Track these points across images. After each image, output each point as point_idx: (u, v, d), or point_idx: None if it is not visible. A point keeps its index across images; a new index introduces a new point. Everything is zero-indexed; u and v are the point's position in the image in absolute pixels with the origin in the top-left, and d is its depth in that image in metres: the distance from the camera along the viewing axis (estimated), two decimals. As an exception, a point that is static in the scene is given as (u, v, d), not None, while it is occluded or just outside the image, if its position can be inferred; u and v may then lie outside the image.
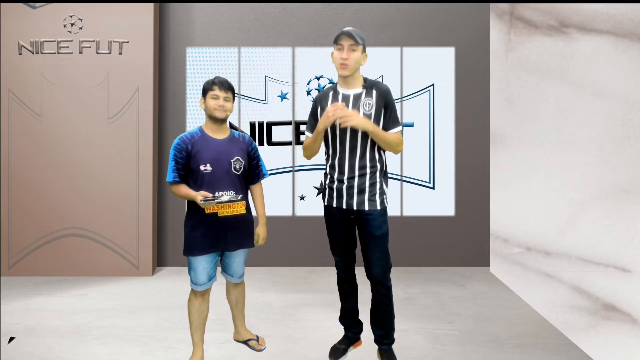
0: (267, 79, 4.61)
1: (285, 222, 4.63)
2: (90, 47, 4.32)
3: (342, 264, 2.56)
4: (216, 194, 2.40)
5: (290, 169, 4.63)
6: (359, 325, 2.68)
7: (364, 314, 2.80)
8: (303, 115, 4.60)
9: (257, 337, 2.84)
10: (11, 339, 2.90)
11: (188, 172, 2.44)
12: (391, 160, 4.52)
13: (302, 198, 4.63)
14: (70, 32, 4.31)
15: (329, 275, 4.22)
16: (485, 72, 4.57)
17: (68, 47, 4.31)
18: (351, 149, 2.37)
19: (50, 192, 4.32)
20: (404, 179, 4.63)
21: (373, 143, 2.38)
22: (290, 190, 4.63)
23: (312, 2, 4.59)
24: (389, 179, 4.55)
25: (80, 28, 4.32)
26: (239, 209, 2.46)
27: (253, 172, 2.61)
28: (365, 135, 2.35)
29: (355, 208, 2.40)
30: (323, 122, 2.32)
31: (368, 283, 2.51)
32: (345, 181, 2.40)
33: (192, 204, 2.44)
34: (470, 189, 4.61)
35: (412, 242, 4.59)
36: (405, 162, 4.63)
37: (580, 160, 4.19)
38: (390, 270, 2.45)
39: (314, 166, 4.58)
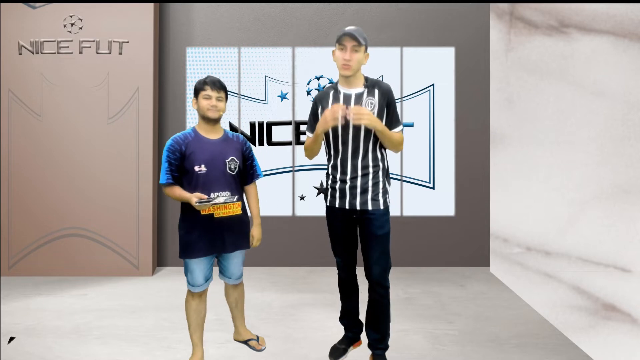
0: (267, 79, 4.61)
1: (285, 222, 4.63)
2: (90, 47, 4.32)
3: (343, 264, 2.55)
4: (211, 195, 2.37)
5: (290, 169, 4.63)
6: (359, 325, 2.68)
7: (364, 314, 2.79)
8: (303, 115, 4.60)
9: (257, 337, 2.84)
10: (11, 339, 2.90)
11: (182, 174, 2.40)
12: (391, 161, 4.52)
13: (302, 198, 4.63)
14: (70, 32, 4.31)
15: (329, 275, 4.22)
16: (485, 72, 4.57)
17: (68, 47, 4.31)
18: (354, 148, 2.36)
19: (50, 192, 4.32)
20: (404, 179, 4.63)
21: (375, 142, 2.37)
22: (290, 190, 4.63)
23: (312, 2, 4.59)
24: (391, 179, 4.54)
25: (80, 28, 4.32)
26: (235, 209, 2.43)
27: (247, 173, 2.59)
28: (367, 134, 2.34)
29: (358, 208, 2.38)
30: (322, 126, 2.31)
31: (365, 283, 2.51)
32: (348, 181, 2.39)
33: (186, 205, 2.41)
34: (470, 189, 4.61)
35: (412, 242, 4.59)
36: (405, 162, 4.63)
37: (580, 160, 4.19)
38: (389, 270, 2.44)
39: (314, 166, 4.58)
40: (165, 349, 2.82)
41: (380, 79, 4.51)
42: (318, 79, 4.60)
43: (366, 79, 2.41)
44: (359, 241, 2.50)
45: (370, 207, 2.38)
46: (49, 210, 4.32)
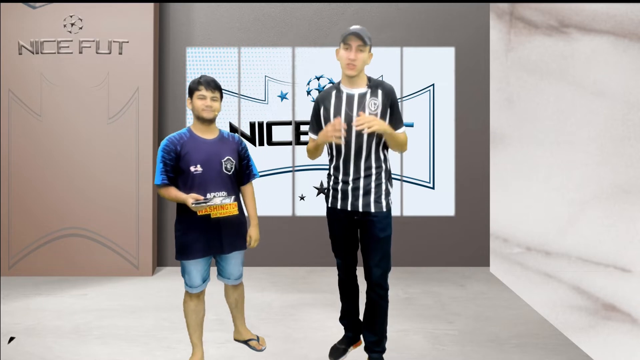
0: (267, 79, 4.61)
1: (285, 222, 4.63)
2: (90, 47, 4.32)
3: (343, 265, 2.54)
4: (207, 195, 2.34)
5: (290, 169, 4.63)
6: (359, 325, 2.67)
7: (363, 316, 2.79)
8: (303, 115, 4.60)
9: (258, 337, 2.83)
10: (11, 339, 2.90)
11: (177, 174, 2.37)
12: (391, 160, 4.52)
13: (302, 198, 4.63)
14: (70, 32, 4.31)
15: (329, 275, 4.22)
16: (485, 72, 4.57)
17: (68, 47, 4.31)
18: (357, 149, 2.34)
19: (50, 192, 4.32)
20: (404, 179, 4.63)
21: (378, 143, 2.36)
22: (290, 190, 4.63)
23: (312, 2, 4.59)
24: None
25: (80, 28, 4.32)
26: (232, 210, 2.39)
27: (243, 173, 2.56)
28: (370, 135, 2.31)
29: (360, 210, 2.36)
30: (323, 138, 2.30)
31: (364, 283, 2.50)
32: (351, 182, 2.36)
33: (182, 206, 2.37)
34: (470, 189, 4.61)
35: (412, 242, 4.59)
36: (405, 162, 4.63)
37: (580, 160, 4.19)
38: (389, 272, 2.44)
39: (314, 166, 4.58)
40: (165, 349, 2.82)
41: (381, 79, 4.51)
42: (318, 79, 4.60)
43: (369, 79, 2.39)
44: (359, 242, 2.49)
45: (372, 210, 2.36)
46: (49, 210, 4.32)
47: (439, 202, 4.63)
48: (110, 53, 4.32)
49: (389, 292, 2.49)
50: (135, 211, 4.34)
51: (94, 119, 4.33)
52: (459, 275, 4.35)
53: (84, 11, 4.31)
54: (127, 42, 4.33)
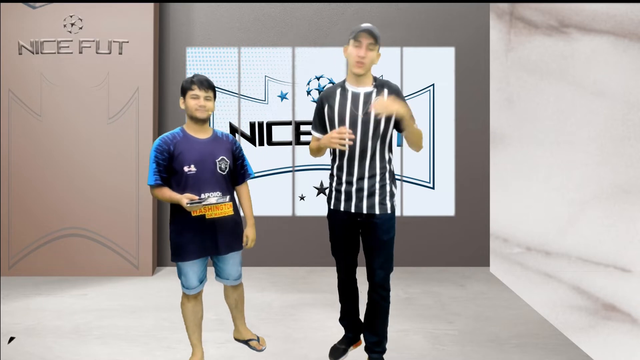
0: (267, 79, 4.61)
1: (285, 222, 4.63)
2: (90, 47, 4.32)
3: (343, 268, 2.51)
4: (202, 195, 2.30)
5: (290, 169, 4.63)
6: (360, 325, 2.66)
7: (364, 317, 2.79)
8: (303, 115, 4.60)
9: (258, 337, 2.83)
10: (11, 339, 2.90)
11: (171, 174, 2.33)
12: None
13: (302, 198, 4.63)
14: (70, 32, 4.31)
15: (329, 275, 4.22)
16: (485, 72, 4.57)
17: (68, 47, 4.31)
18: (361, 149, 2.29)
19: (50, 192, 4.32)
20: (404, 179, 4.63)
21: (383, 143, 2.32)
22: (290, 190, 4.64)
23: (312, 2, 4.59)
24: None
25: (80, 28, 4.32)
26: (227, 210, 2.36)
27: (238, 173, 2.52)
28: (375, 134, 2.28)
29: (365, 212, 2.32)
30: (326, 144, 2.27)
31: (365, 283, 2.49)
32: (355, 183, 2.32)
33: (176, 206, 2.33)
34: (470, 189, 4.61)
35: (412, 242, 4.59)
36: (405, 162, 4.63)
37: (580, 160, 4.19)
38: (391, 273, 2.43)
39: (314, 166, 4.58)
40: (165, 349, 2.82)
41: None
42: (318, 79, 4.60)
43: (375, 78, 2.36)
44: (360, 245, 2.47)
45: (377, 211, 2.32)
46: (49, 210, 4.32)
47: (439, 202, 4.63)
48: (110, 53, 4.32)
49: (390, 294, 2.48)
50: (135, 211, 4.34)
51: (94, 119, 4.33)
52: (459, 275, 4.35)
53: (84, 11, 4.31)
54: (127, 42, 4.33)
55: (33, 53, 4.30)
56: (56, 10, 4.30)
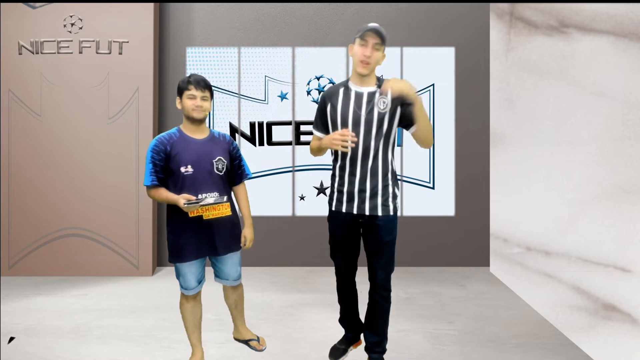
0: (267, 79, 4.61)
1: (285, 222, 4.63)
2: (90, 47, 4.32)
3: (343, 271, 2.47)
4: (199, 196, 2.29)
5: (290, 169, 4.63)
6: (359, 325, 2.66)
7: (364, 315, 2.79)
8: (303, 115, 4.60)
9: (258, 337, 2.83)
10: (11, 339, 2.90)
11: (167, 175, 2.31)
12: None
13: (302, 198, 4.63)
14: (70, 32, 4.31)
15: (329, 275, 4.21)
16: (485, 72, 4.57)
17: (68, 47, 4.31)
18: (364, 149, 2.27)
19: (50, 192, 4.32)
20: (404, 179, 4.63)
21: (386, 143, 2.30)
22: (290, 190, 4.63)
23: (312, 2, 4.59)
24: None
25: (80, 28, 4.32)
26: (225, 210, 2.34)
27: (235, 173, 2.50)
28: (379, 134, 2.26)
29: (367, 213, 2.30)
30: (328, 145, 2.25)
31: (365, 283, 2.49)
32: (357, 184, 2.29)
33: (173, 207, 2.31)
34: (470, 189, 4.61)
35: (412, 242, 4.59)
36: (405, 162, 4.63)
37: (580, 160, 4.19)
38: (392, 273, 2.43)
39: (314, 166, 4.59)
40: (165, 349, 2.82)
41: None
42: (318, 79, 4.60)
43: (378, 78, 2.35)
44: (360, 247, 2.44)
45: (380, 213, 2.30)
46: (49, 210, 4.32)
47: (439, 202, 4.63)
48: (110, 53, 4.32)
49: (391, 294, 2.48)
50: (135, 211, 4.34)
51: (94, 119, 4.33)
52: (459, 275, 4.35)
53: (84, 11, 4.31)
54: (127, 42, 4.33)
55: (33, 53, 4.30)
56: (56, 10, 4.30)
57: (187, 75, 2.38)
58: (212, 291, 3.11)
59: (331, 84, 4.58)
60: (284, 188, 4.63)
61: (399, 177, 4.59)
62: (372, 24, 2.24)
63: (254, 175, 4.61)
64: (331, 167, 2.46)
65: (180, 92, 2.35)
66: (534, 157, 4.30)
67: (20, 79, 4.30)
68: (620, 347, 3.54)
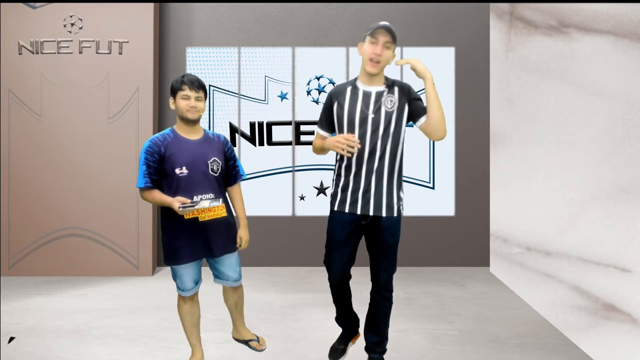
0: (267, 79, 4.61)
1: (285, 222, 4.63)
2: (90, 47, 4.32)
3: (337, 279, 2.40)
4: (194, 198, 2.24)
5: (290, 169, 4.63)
6: (356, 321, 2.62)
7: (359, 310, 2.78)
8: (303, 115, 4.60)
9: (258, 337, 2.82)
10: (11, 339, 2.90)
11: (161, 177, 2.27)
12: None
13: (302, 198, 4.63)
14: (70, 32, 4.31)
15: (329, 275, 4.22)
16: (485, 72, 4.57)
17: (68, 47, 4.31)
18: (371, 148, 2.22)
19: (50, 192, 4.32)
20: (404, 178, 4.62)
21: (394, 144, 2.26)
22: (290, 190, 4.63)
23: (312, 2, 4.59)
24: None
25: (80, 28, 4.32)
26: (220, 212, 2.29)
27: (230, 174, 2.46)
28: (386, 133, 2.23)
29: (371, 214, 2.26)
30: (331, 147, 2.23)
31: (366, 283, 2.49)
32: (362, 184, 2.25)
33: (167, 209, 2.27)
34: (470, 189, 4.61)
35: (412, 242, 4.59)
36: (405, 162, 4.60)
37: (580, 160, 4.19)
38: (394, 274, 2.42)
39: (314, 166, 4.59)
40: (165, 349, 2.82)
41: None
42: (318, 79, 4.60)
43: (386, 78, 2.32)
44: (356, 257, 2.40)
45: (384, 214, 2.27)
46: (49, 210, 4.32)
47: (439, 202, 4.63)
48: (110, 53, 4.32)
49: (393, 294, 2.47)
50: (135, 211, 4.33)
51: (94, 119, 4.33)
52: (459, 275, 4.35)
53: (84, 11, 4.31)
54: (127, 42, 4.33)
55: (33, 53, 4.30)
56: (56, 10, 4.30)
57: (181, 75, 2.34)
58: (211, 291, 3.10)
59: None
60: (284, 188, 4.63)
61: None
62: (384, 23, 2.20)
63: (254, 175, 4.61)
64: (332, 167, 2.44)
65: (174, 92, 2.31)
66: (534, 157, 4.30)
67: (20, 79, 4.30)
68: (620, 347, 3.54)
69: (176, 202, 2.17)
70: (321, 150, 2.43)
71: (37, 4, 4.29)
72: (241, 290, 2.64)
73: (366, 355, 2.54)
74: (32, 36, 4.30)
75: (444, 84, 4.61)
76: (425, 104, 2.28)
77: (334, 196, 2.38)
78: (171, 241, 2.32)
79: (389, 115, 2.24)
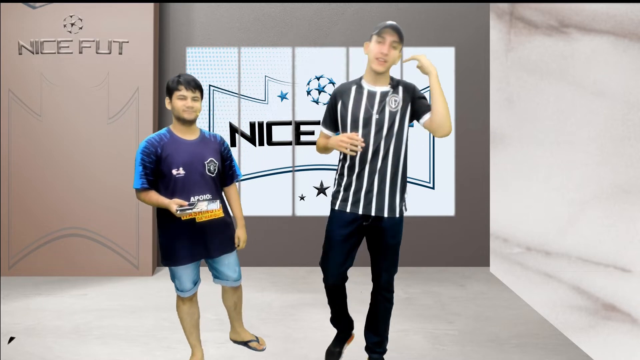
0: (267, 79, 4.61)
1: (285, 222, 4.63)
2: (90, 47, 4.32)
3: (332, 280, 2.39)
4: (191, 199, 2.23)
5: (290, 169, 4.63)
6: (350, 322, 2.60)
7: (359, 310, 2.78)
8: (303, 115, 4.60)
9: (257, 337, 2.82)
10: (11, 339, 2.90)
11: (158, 177, 2.25)
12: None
13: (302, 198, 4.63)
14: (70, 32, 4.31)
15: (329, 275, 4.22)
16: (485, 72, 4.57)
17: (68, 47, 4.31)
18: (375, 148, 2.22)
19: (50, 192, 4.32)
20: (404, 179, 4.63)
21: (397, 144, 2.25)
22: (290, 190, 4.63)
23: (312, 2, 4.59)
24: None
25: (80, 28, 4.31)
26: (217, 212, 2.27)
27: (227, 174, 2.45)
28: (390, 132, 2.22)
29: (373, 214, 2.25)
30: (335, 146, 2.23)
31: (366, 283, 2.50)
32: (365, 184, 2.24)
33: (164, 210, 2.25)
34: (470, 189, 4.61)
35: (412, 242, 4.58)
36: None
37: (580, 160, 4.19)
38: (395, 274, 2.41)
39: (314, 166, 4.58)
40: (165, 349, 2.82)
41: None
42: (318, 79, 4.60)
43: (392, 78, 2.30)
44: (354, 260, 2.39)
45: (386, 215, 2.26)
46: (49, 210, 4.32)
47: (439, 202, 4.63)
48: (110, 53, 4.32)
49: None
50: (135, 211, 4.33)
51: (94, 119, 4.33)
52: (459, 275, 4.35)
53: (84, 11, 4.31)
54: (127, 42, 4.33)
55: (33, 53, 4.30)
56: (56, 10, 4.30)
57: (177, 75, 2.33)
58: (211, 291, 3.10)
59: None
60: (284, 188, 4.63)
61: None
62: (391, 22, 2.18)
63: (254, 175, 4.61)
64: (332, 167, 2.44)
65: (170, 92, 2.29)
66: (534, 157, 4.30)
67: (20, 79, 4.30)
68: (620, 347, 3.54)
69: (173, 205, 2.15)
70: (325, 150, 2.41)
71: (37, 4, 4.29)
72: (240, 291, 2.63)
73: (366, 355, 2.54)
74: (32, 36, 4.30)
75: (444, 84, 4.60)
76: (429, 102, 2.27)
77: (335, 195, 2.37)
78: (169, 242, 2.31)
79: (393, 116, 2.24)
